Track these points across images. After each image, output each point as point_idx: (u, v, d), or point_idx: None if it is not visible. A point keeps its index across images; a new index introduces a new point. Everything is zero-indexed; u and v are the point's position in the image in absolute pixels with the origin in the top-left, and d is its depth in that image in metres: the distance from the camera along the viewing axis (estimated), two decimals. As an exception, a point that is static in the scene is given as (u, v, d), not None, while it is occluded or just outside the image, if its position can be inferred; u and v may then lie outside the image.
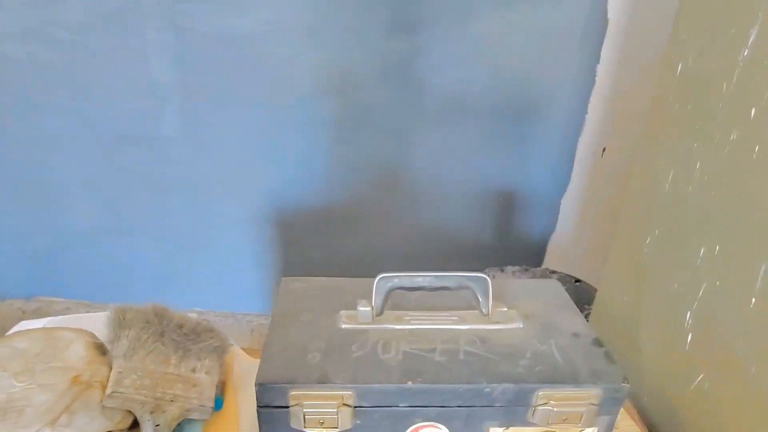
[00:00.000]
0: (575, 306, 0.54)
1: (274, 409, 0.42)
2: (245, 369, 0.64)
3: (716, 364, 0.55)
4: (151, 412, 0.51)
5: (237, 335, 0.83)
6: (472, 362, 0.45)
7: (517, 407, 0.44)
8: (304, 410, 0.42)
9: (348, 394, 0.42)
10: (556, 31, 0.88)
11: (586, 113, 0.95)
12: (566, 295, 0.56)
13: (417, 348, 0.46)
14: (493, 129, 0.99)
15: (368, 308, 0.48)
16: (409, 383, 0.42)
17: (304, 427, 0.42)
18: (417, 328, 0.49)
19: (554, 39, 0.89)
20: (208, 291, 1.20)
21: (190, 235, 1.12)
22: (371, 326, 0.48)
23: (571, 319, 0.52)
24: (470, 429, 0.45)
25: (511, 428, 0.45)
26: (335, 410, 0.42)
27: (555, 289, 0.57)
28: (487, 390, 0.43)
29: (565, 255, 1.13)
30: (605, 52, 0.89)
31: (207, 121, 0.97)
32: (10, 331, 0.63)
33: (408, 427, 0.44)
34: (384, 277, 0.48)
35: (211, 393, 0.56)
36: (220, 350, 0.60)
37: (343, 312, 0.50)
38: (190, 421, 0.55)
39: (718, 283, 0.55)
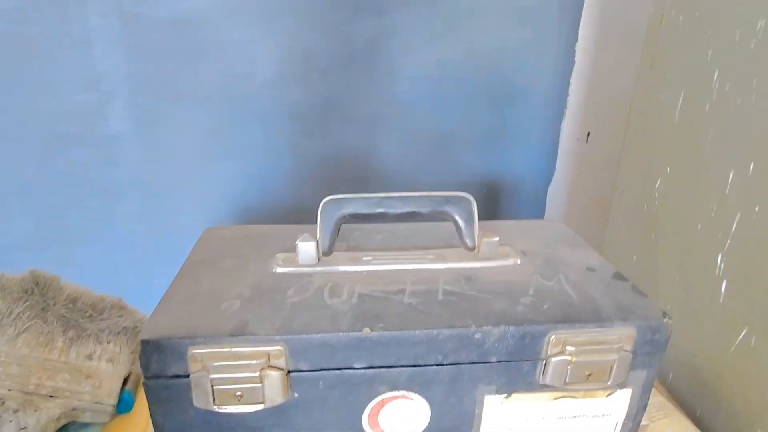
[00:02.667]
0: (587, 243, 0.42)
1: (169, 381, 0.29)
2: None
3: (763, 310, 0.43)
4: (16, 411, 0.37)
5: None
6: (455, 303, 0.32)
7: (521, 362, 0.31)
8: (212, 377, 0.28)
9: (277, 350, 0.28)
10: (530, 9, 0.82)
11: (567, 96, 0.88)
12: (574, 234, 0.44)
13: (378, 290, 0.33)
14: (471, 116, 0.91)
15: (311, 243, 0.35)
16: (366, 330, 0.29)
17: (215, 405, 0.29)
18: (379, 269, 0.36)
19: (529, 17, 0.83)
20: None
21: (143, 244, 0.98)
22: (316, 268, 0.35)
23: (583, 254, 0.40)
24: (457, 399, 0.32)
25: (514, 395, 0.32)
26: (257, 375, 0.28)
27: (559, 228, 0.45)
28: (478, 336, 0.30)
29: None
30: (583, 31, 0.84)
31: (159, 117, 0.86)
32: None
33: (369, 401, 0.31)
34: (332, 199, 0.35)
35: (112, 387, 0.42)
36: (132, 333, 0.46)
37: (279, 255, 0.37)
38: (85, 426, 0.41)
39: (756, 208, 0.44)
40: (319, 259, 0.36)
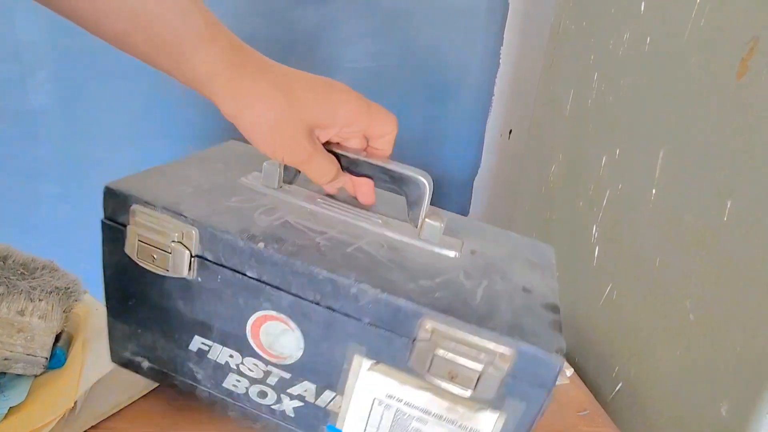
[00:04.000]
0: (555, 274, 0.39)
1: (116, 225, 0.35)
2: (104, 325, 0.48)
3: (623, 269, 0.53)
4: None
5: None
6: (357, 259, 0.33)
7: (392, 335, 0.31)
8: (139, 233, 0.34)
9: (188, 231, 0.33)
10: (461, 11, 0.85)
11: (493, 95, 0.91)
12: (552, 261, 0.40)
13: (304, 225, 0.36)
14: (407, 110, 0.92)
15: (275, 167, 0.39)
16: (261, 245, 0.32)
17: (137, 257, 0.35)
18: (321, 212, 0.38)
19: (460, 19, 0.85)
20: (98, 293, 0.99)
21: (69, 228, 0.89)
22: (271, 191, 0.39)
23: (537, 278, 0.37)
24: (329, 345, 0.33)
25: (381, 365, 0.32)
26: (169, 245, 0.33)
27: (540, 249, 0.42)
28: (354, 291, 0.31)
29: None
30: (507, 36, 0.87)
31: (86, 91, 0.78)
32: None
33: (254, 312, 0.34)
34: (307, 140, 0.38)
35: (44, 341, 0.43)
36: (64, 293, 0.46)
37: (255, 173, 0.41)
38: (17, 377, 0.43)
39: (620, 186, 0.54)
40: (279, 186, 0.39)
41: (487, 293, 0.33)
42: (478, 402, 0.31)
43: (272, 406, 0.38)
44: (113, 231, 0.36)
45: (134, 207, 0.34)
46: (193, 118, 0.83)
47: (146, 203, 0.34)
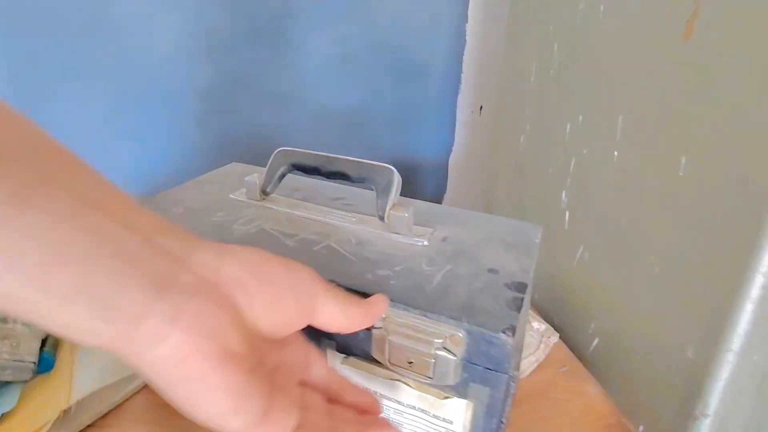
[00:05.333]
0: (534, 253, 0.37)
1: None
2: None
3: (593, 231, 0.54)
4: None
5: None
6: (321, 255, 0.35)
7: (354, 326, 0.32)
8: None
9: (174, 247, 0.37)
10: None
11: (462, 72, 0.91)
12: (534, 240, 0.39)
13: (279, 230, 0.38)
14: (377, 92, 0.91)
15: (254, 181, 0.42)
16: (232, 252, 0.35)
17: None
18: (299, 216, 0.40)
19: None
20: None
21: None
22: (255, 202, 0.42)
23: (510, 258, 0.35)
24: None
25: (352, 359, 0.33)
26: (160, 261, 0.37)
27: (525, 230, 0.40)
28: (313, 286, 0.32)
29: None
30: (472, 11, 0.86)
31: (46, 96, 0.75)
32: None
33: (238, 314, 0.37)
34: (284, 150, 0.41)
35: (31, 346, 0.43)
36: None
37: (243, 189, 0.45)
38: (6, 384, 0.43)
39: (584, 151, 0.55)
40: (259, 195, 0.42)
41: (446, 278, 0.32)
42: (444, 390, 0.30)
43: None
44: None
45: (132, 231, 0.39)
46: (159, 117, 0.80)
47: (141, 226, 0.38)
